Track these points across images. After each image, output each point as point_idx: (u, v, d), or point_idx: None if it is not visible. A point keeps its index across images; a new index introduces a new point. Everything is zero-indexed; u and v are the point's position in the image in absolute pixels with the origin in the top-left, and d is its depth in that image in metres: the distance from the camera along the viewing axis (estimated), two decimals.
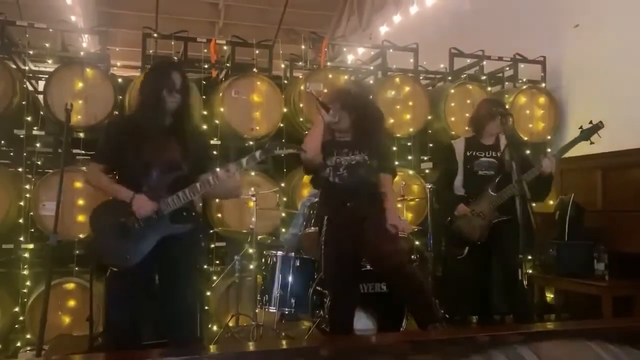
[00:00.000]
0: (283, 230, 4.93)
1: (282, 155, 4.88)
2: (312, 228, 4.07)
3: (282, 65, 5.61)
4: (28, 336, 4.29)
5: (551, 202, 5.20)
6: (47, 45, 5.07)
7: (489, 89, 5.76)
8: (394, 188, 3.37)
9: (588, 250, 4.35)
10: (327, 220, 3.15)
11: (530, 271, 4.97)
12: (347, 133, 3.22)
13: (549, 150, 5.47)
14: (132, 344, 2.67)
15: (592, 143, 3.77)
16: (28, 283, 4.49)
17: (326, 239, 3.12)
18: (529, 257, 4.97)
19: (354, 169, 3.14)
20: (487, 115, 3.85)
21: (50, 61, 5.00)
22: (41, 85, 5.08)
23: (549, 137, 5.60)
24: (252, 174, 4.79)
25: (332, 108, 3.13)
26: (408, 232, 3.51)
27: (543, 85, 5.84)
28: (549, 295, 5.18)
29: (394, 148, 5.27)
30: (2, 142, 5.10)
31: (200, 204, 4.67)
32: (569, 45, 5.79)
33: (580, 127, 3.82)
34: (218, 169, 2.84)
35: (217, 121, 4.95)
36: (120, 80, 5.07)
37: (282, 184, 5.05)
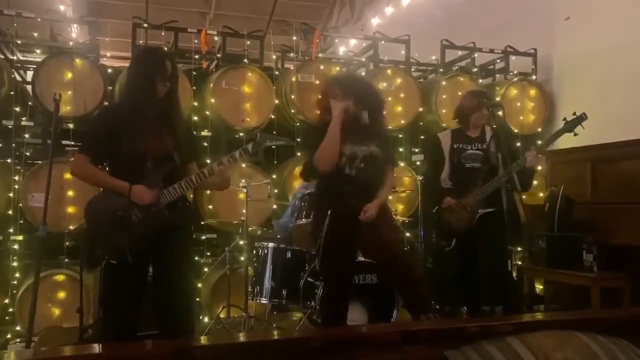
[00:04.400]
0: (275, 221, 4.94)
1: (274, 147, 4.91)
2: (304, 220, 4.08)
3: (274, 57, 5.58)
4: (18, 328, 4.28)
5: (541, 194, 5.23)
6: (35, 35, 5.01)
7: (480, 81, 5.77)
8: (393, 181, 3.43)
9: (577, 242, 4.39)
10: (332, 214, 3.13)
11: (519, 262, 5.01)
12: (354, 116, 3.19)
13: (539, 142, 5.50)
14: (128, 335, 2.67)
15: (575, 134, 3.79)
16: (17, 275, 4.47)
17: (328, 231, 3.09)
18: (519, 249, 5.01)
19: (371, 163, 3.15)
20: (471, 106, 3.86)
21: (38, 51, 4.95)
22: (29, 75, 5.02)
23: (539, 130, 5.63)
24: (243, 165, 4.78)
25: (338, 94, 3.15)
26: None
27: (534, 77, 5.86)
28: (538, 287, 5.23)
29: None
30: None
31: (191, 195, 4.66)
32: (559, 38, 5.81)
33: (564, 119, 3.84)
34: (209, 161, 2.83)
35: (207, 112, 4.92)
36: (110, 70, 5.03)
37: (274, 176, 5.04)
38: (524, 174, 3.74)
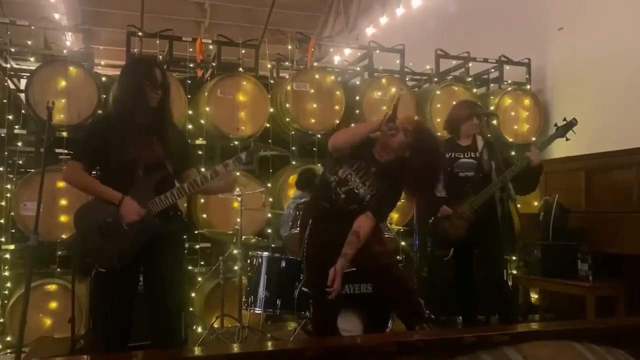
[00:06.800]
0: (269, 230, 4.92)
1: (268, 155, 4.91)
2: (298, 229, 4.06)
3: (269, 65, 5.59)
4: (8, 339, 4.22)
5: (536, 203, 5.24)
6: (29, 43, 5.00)
7: (475, 90, 5.79)
8: (367, 232, 3.00)
9: (572, 251, 4.39)
10: (312, 223, 3.11)
11: (515, 272, 5.01)
12: (387, 155, 3.00)
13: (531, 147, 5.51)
14: (119, 345, 2.64)
15: (567, 140, 3.81)
16: (8, 284, 4.42)
17: (309, 242, 3.08)
18: (514, 258, 5.01)
19: (351, 201, 3.00)
20: (461, 116, 3.88)
21: (32, 59, 4.93)
22: (23, 83, 5.00)
23: (533, 139, 5.65)
24: (238, 174, 4.76)
25: (396, 125, 2.88)
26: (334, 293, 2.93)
27: (528, 87, 5.89)
28: (534, 296, 5.22)
29: None
30: None
31: (185, 204, 4.63)
32: (553, 48, 5.84)
33: (555, 125, 3.86)
34: (203, 169, 2.82)
35: (202, 121, 4.91)
36: (104, 79, 5.01)
37: (269, 184, 5.03)
38: (529, 173, 3.73)
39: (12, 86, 5.05)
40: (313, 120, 5.05)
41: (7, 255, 4.40)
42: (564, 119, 3.83)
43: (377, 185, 2.99)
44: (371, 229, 3.03)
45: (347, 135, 3.01)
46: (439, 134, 5.21)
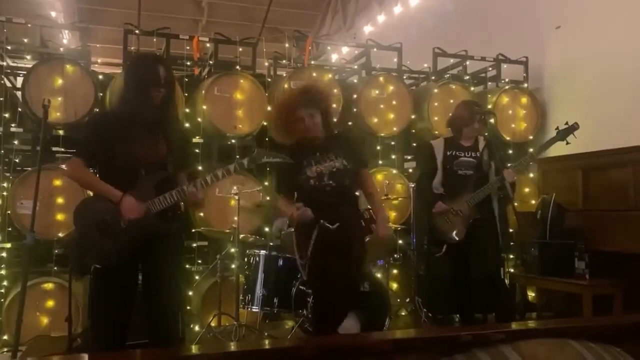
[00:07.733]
0: (267, 229, 4.91)
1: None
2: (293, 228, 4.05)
3: (266, 64, 5.58)
4: (5, 337, 4.21)
5: (533, 202, 5.25)
6: (25, 40, 4.98)
7: (472, 89, 5.79)
8: (372, 180, 3.44)
9: (569, 250, 4.39)
10: (319, 227, 3.07)
11: (512, 270, 5.02)
12: (325, 130, 3.20)
13: (530, 150, 5.52)
14: (117, 344, 2.64)
15: (567, 143, 3.83)
16: (5, 283, 4.41)
17: (316, 244, 3.06)
18: (511, 256, 5.02)
19: (339, 177, 3.09)
20: (463, 118, 3.90)
21: (29, 57, 4.91)
22: (19, 81, 4.98)
23: (530, 137, 5.65)
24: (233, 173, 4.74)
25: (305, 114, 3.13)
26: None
27: (525, 85, 5.89)
28: (531, 294, 5.23)
29: (378, 147, 5.29)
30: None
31: (182, 203, 4.62)
32: (551, 47, 5.85)
33: (557, 128, 3.88)
34: (200, 167, 2.81)
35: (199, 119, 4.90)
36: (101, 77, 5.00)
37: (266, 183, 5.02)
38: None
39: (8, 84, 5.03)
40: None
41: (4, 254, 4.40)
42: (566, 123, 3.84)
43: (339, 152, 3.15)
44: (370, 176, 3.44)
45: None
46: (436, 132, 5.23)
